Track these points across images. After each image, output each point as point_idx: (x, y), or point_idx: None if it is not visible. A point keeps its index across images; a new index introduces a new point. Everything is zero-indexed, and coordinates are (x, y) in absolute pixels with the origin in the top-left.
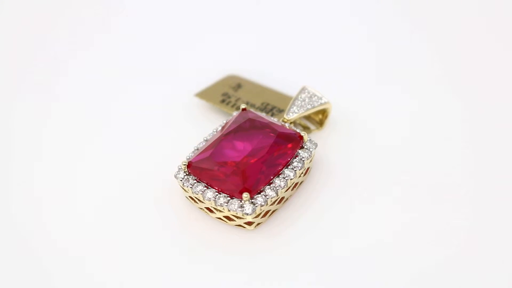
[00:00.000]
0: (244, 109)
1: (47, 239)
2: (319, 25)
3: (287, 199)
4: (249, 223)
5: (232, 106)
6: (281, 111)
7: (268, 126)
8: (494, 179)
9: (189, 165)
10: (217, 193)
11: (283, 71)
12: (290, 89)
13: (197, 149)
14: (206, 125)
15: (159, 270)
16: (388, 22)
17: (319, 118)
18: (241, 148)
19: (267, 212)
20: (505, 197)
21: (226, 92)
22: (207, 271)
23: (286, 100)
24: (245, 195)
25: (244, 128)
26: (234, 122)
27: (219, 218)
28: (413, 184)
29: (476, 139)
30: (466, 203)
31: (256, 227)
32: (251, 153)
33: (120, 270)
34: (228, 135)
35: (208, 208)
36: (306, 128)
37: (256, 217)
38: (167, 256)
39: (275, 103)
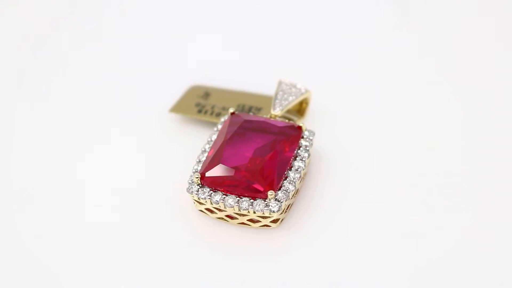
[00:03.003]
0: (233, 113)
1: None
2: (272, 24)
3: (298, 190)
4: (275, 221)
5: (211, 114)
6: (259, 109)
7: (265, 123)
8: (495, 178)
9: (202, 176)
10: (238, 198)
11: (241, 74)
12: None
13: (200, 161)
14: (184, 138)
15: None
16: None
17: (297, 108)
18: (248, 150)
19: (288, 206)
20: (506, 195)
21: (198, 102)
22: (248, 279)
23: (259, 98)
24: (270, 193)
25: (242, 130)
26: (229, 127)
27: (242, 223)
28: (413, 177)
29: (476, 138)
30: (466, 202)
31: (280, 223)
32: (260, 153)
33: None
34: (230, 140)
35: (228, 216)
36: (289, 120)
37: (281, 213)
38: (198, 275)
39: (251, 103)
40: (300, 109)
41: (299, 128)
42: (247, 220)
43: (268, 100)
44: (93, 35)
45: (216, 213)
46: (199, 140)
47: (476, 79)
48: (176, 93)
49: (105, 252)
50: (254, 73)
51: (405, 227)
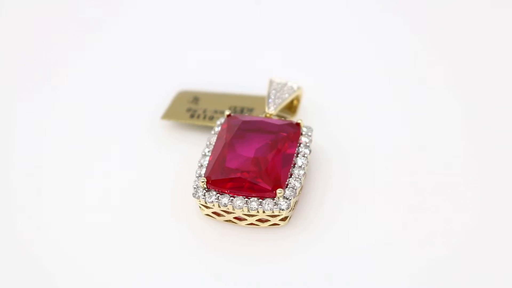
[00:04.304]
0: (229, 115)
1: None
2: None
3: (302, 187)
4: (283, 219)
5: (204, 118)
6: (251, 110)
7: (263, 123)
8: (495, 177)
9: (207, 180)
10: (246, 199)
11: (223, 77)
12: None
13: (202, 165)
14: (177, 145)
15: None
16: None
17: (288, 106)
18: (251, 150)
19: (294, 203)
20: (506, 195)
21: (189, 107)
22: (264, 280)
23: (249, 99)
24: (279, 191)
25: (242, 131)
26: (228, 129)
27: (251, 224)
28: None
29: (475, 137)
30: (467, 202)
31: (288, 221)
32: (263, 153)
33: None
34: (231, 142)
35: (236, 218)
36: (283, 118)
37: (290, 211)
38: (212, 280)
39: (242, 104)
40: (291, 106)
41: (298, 125)
42: (256, 220)
43: (259, 100)
44: (72, 45)
45: (223, 216)
46: (192, 146)
47: (474, 78)
48: (161, 100)
49: (107, 255)
50: (235, 75)
51: (406, 226)
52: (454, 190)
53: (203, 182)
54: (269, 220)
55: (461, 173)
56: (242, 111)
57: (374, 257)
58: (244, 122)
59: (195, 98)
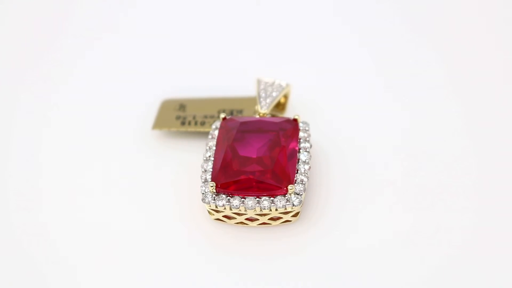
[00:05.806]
0: (224, 118)
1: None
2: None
3: None
4: (295, 215)
5: (195, 124)
6: (240, 111)
7: (262, 122)
8: (497, 177)
9: (216, 184)
10: (257, 199)
11: (203, 81)
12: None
13: (206, 170)
14: (171, 153)
15: None
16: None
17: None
18: (255, 150)
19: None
20: (507, 195)
21: (177, 115)
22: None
23: (236, 101)
24: (291, 187)
25: (242, 133)
26: (226, 132)
27: (263, 223)
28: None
29: (475, 137)
30: (468, 201)
31: (299, 217)
32: (267, 152)
33: None
34: (233, 144)
35: (248, 219)
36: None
37: (301, 206)
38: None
39: (230, 107)
40: (279, 104)
41: (295, 120)
42: (268, 219)
43: (246, 101)
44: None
45: (234, 218)
46: (186, 153)
47: (471, 75)
48: (146, 111)
49: (119, 267)
50: (211, 78)
51: (408, 225)
52: (455, 189)
53: (212, 186)
54: (281, 218)
55: (461, 173)
56: (231, 113)
57: (389, 250)
58: (242, 124)
59: (181, 105)
